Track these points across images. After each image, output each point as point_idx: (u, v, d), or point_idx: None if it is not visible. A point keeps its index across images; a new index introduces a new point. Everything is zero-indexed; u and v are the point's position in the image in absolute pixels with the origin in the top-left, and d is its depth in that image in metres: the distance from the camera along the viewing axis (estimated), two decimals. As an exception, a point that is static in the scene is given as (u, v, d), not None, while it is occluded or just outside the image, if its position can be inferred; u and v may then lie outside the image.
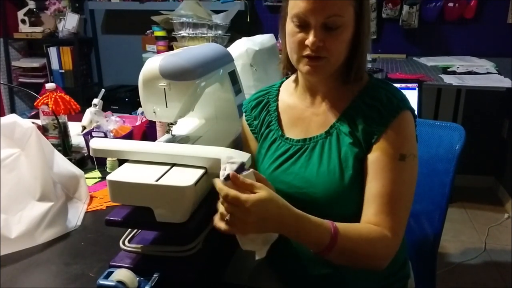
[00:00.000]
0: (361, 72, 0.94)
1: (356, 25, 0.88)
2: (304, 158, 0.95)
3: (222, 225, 0.76)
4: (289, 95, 1.04)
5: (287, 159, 0.97)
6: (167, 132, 1.08)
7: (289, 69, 1.02)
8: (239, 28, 3.02)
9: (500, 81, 2.35)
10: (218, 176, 0.78)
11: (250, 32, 2.76)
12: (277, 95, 1.06)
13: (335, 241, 0.80)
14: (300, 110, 1.00)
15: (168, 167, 0.88)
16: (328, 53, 0.87)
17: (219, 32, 2.89)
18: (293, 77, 1.05)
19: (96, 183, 1.26)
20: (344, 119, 0.94)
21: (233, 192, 0.73)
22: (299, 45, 0.88)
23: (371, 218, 0.87)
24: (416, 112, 0.95)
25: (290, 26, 0.90)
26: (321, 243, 0.80)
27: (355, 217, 0.89)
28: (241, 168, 0.78)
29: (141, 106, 1.00)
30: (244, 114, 1.10)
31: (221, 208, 0.76)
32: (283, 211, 0.78)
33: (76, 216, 1.06)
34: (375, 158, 0.89)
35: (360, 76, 0.94)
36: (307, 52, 0.87)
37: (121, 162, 0.93)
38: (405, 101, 0.92)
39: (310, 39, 0.86)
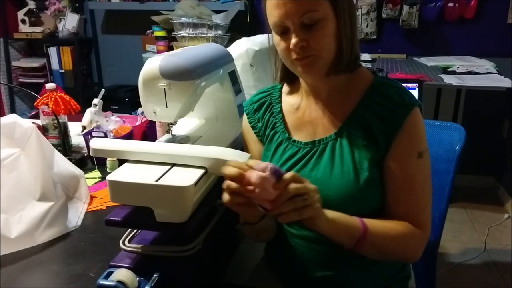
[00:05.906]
0: (354, 60, 0.93)
1: (337, 15, 0.88)
2: (314, 161, 0.94)
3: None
4: (293, 97, 1.03)
5: (296, 162, 0.96)
6: (167, 132, 1.08)
7: (286, 80, 1.03)
8: (239, 28, 3.02)
9: (500, 81, 2.35)
10: (217, 176, 0.77)
11: (250, 32, 2.77)
12: (280, 96, 1.05)
13: (364, 237, 0.86)
14: (305, 112, 0.99)
15: (168, 167, 0.88)
16: (315, 50, 0.87)
17: (219, 32, 2.89)
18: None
19: (96, 183, 1.26)
20: (354, 119, 0.93)
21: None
22: (287, 51, 0.89)
23: (400, 217, 0.91)
24: None
25: (275, 38, 0.91)
26: (350, 241, 0.86)
27: (370, 218, 0.90)
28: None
29: (141, 106, 1.00)
30: (246, 116, 1.08)
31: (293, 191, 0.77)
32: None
33: (76, 216, 1.06)
34: (396, 160, 0.90)
35: (355, 64, 0.94)
36: (295, 55, 0.88)
37: (121, 162, 0.93)
38: (414, 97, 0.93)
39: (292, 41, 0.86)
